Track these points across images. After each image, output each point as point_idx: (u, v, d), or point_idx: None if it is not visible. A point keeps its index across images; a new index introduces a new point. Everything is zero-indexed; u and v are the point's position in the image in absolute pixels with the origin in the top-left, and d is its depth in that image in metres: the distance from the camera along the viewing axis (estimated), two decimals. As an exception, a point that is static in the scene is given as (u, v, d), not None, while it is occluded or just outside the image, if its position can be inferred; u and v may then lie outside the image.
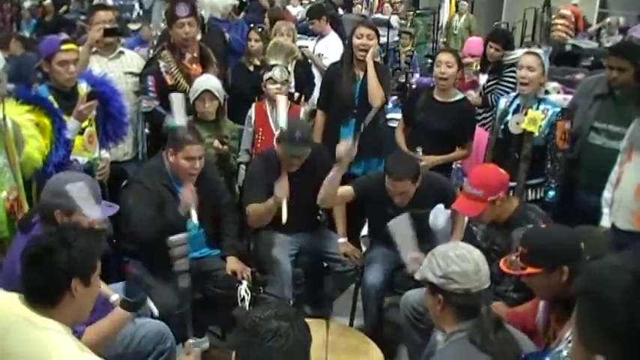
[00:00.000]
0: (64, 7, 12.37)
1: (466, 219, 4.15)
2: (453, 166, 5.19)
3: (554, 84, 6.79)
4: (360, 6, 14.19)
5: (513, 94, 4.65)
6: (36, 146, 3.49)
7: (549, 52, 7.99)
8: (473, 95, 5.62)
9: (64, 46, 3.89)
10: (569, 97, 5.55)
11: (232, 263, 4.11)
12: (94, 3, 9.61)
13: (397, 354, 4.23)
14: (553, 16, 11.16)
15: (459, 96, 4.92)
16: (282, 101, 4.27)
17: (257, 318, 1.96)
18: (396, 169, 3.97)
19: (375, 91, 4.85)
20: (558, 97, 5.91)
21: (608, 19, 10.01)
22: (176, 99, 4.21)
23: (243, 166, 4.90)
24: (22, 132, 3.40)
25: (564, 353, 2.29)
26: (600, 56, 7.60)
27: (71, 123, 3.77)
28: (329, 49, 6.97)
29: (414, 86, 7.54)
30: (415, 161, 4.19)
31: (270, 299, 4.06)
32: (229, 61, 6.09)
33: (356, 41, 4.90)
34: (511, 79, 5.40)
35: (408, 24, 12.35)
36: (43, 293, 2.29)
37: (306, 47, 6.98)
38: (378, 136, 5.00)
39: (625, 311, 1.17)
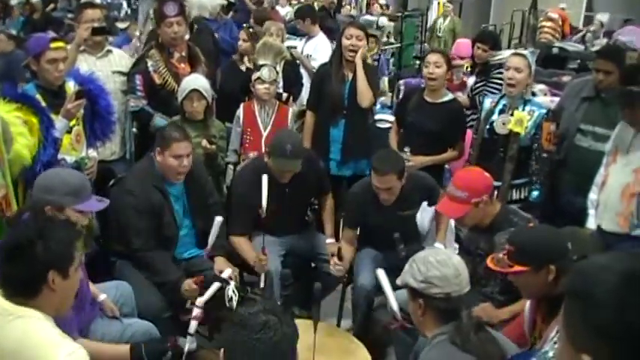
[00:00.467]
0: (52, 5, 12.33)
1: (452, 221, 4.17)
2: (446, 166, 5.20)
3: (541, 86, 6.83)
4: (349, 7, 14.21)
5: (499, 94, 4.67)
6: (25, 144, 3.47)
7: (536, 54, 8.02)
8: (461, 97, 5.64)
9: (53, 45, 3.87)
10: (556, 99, 5.59)
11: (220, 264, 4.10)
12: (82, 1, 9.58)
13: (385, 355, 4.24)
14: (540, 19, 11.20)
15: (449, 97, 4.95)
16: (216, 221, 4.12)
17: (245, 312, 1.98)
18: (381, 164, 3.99)
19: (364, 92, 4.86)
20: (545, 99, 5.94)
21: (592, 27, 10.05)
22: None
23: (231, 166, 4.90)
24: (11, 130, 3.38)
25: (550, 354, 2.31)
26: (587, 59, 7.64)
27: (59, 122, 3.76)
28: (317, 50, 6.98)
29: (402, 87, 7.56)
30: (400, 157, 4.21)
31: (258, 298, 4.06)
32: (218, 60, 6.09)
33: (345, 42, 4.90)
34: (499, 81, 5.43)
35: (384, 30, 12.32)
36: (21, 286, 2.28)
37: (295, 47, 7.00)
38: (367, 138, 5.01)
39: (612, 310, 1.18)
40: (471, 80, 5.99)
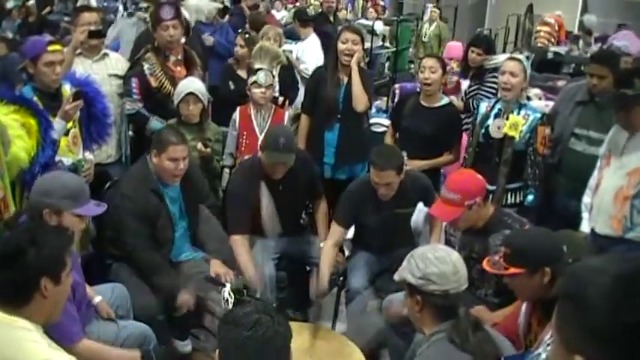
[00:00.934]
0: (48, 8, 12.31)
1: (444, 223, 4.18)
2: (442, 170, 5.21)
3: (536, 90, 6.84)
4: (345, 11, 14.22)
5: (494, 98, 4.68)
6: (22, 146, 3.48)
7: (532, 58, 8.05)
8: (455, 100, 5.65)
9: (50, 47, 3.87)
10: (551, 103, 5.60)
11: (216, 266, 4.10)
12: (79, 4, 9.57)
13: (379, 357, 4.24)
14: (536, 24, 11.23)
15: (445, 101, 4.96)
16: None
17: (239, 312, 2.00)
18: (380, 159, 4.01)
19: (359, 96, 4.86)
20: (540, 104, 5.95)
21: (580, 41, 10.09)
22: None
23: (226, 170, 4.90)
24: (8, 132, 3.39)
25: (543, 356, 2.32)
26: (582, 64, 7.68)
27: (57, 123, 3.76)
28: (304, 52, 7.01)
29: (397, 91, 7.57)
30: (399, 152, 4.22)
31: (252, 300, 4.07)
32: (214, 64, 6.09)
33: (341, 46, 4.91)
34: (493, 85, 5.44)
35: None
36: (13, 293, 2.28)
37: (290, 51, 7.02)
38: (362, 142, 5.02)
39: (606, 312, 1.19)
40: (465, 84, 6.00)
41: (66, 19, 10.13)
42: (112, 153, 4.85)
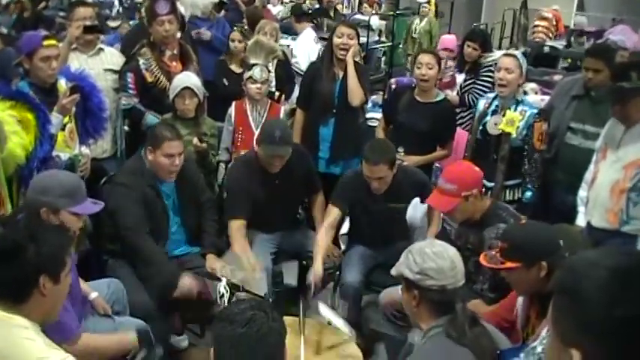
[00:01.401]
0: (43, 4, 12.25)
1: (441, 215, 4.18)
2: (434, 165, 5.22)
3: (533, 85, 6.85)
4: (340, 5, 14.19)
5: (492, 94, 4.68)
6: (18, 142, 3.47)
7: (528, 54, 8.06)
8: (450, 95, 5.65)
9: (45, 42, 3.86)
10: (547, 97, 5.60)
11: (212, 261, 4.10)
12: (74, -1, 9.54)
13: (376, 351, 4.25)
14: (534, 18, 11.23)
15: (440, 96, 4.96)
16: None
17: (233, 309, 2.01)
18: (372, 154, 4.01)
19: (355, 91, 4.87)
20: (536, 98, 5.95)
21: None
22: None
23: (222, 165, 4.90)
24: (5, 128, 3.38)
25: (539, 349, 2.33)
26: (578, 58, 7.68)
27: (54, 118, 3.76)
28: (297, 47, 7.02)
29: (393, 86, 7.57)
30: (391, 147, 4.22)
31: (248, 297, 4.07)
32: (211, 58, 6.08)
33: (336, 40, 4.91)
34: (488, 79, 5.44)
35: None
36: (11, 290, 2.26)
37: (287, 46, 7.02)
38: (357, 137, 5.01)
39: (601, 306, 1.19)
40: (460, 78, 6.00)
41: (61, 14, 10.08)
42: (108, 148, 4.85)
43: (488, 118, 4.51)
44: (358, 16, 12.26)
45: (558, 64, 9.19)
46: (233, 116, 4.87)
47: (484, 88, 5.51)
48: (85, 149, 4.22)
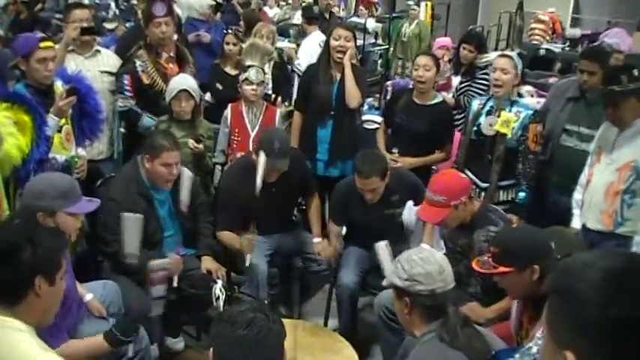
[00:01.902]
0: (39, 5, 12.24)
1: None
2: (433, 168, 5.22)
3: (528, 87, 6.86)
4: (337, 8, 14.19)
5: (486, 96, 4.69)
6: (14, 144, 3.47)
7: (523, 55, 8.07)
8: (446, 97, 5.66)
9: (42, 44, 3.86)
10: (543, 100, 5.62)
11: (207, 263, 4.11)
12: (70, 1, 9.53)
13: (371, 354, 4.25)
14: (530, 21, 11.25)
15: (438, 99, 4.96)
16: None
17: (234, 310, 2.02)
18: (363, 167, 4.03)
19: (352, 92, 4.87)
20: (532, 101, 5.96)
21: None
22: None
23: (218, 167, 4.90)
24: (1, 130, 3.38)
25: (534, 350, 2.33)
26: (573, 61, 7.70)
27: (51, 120, 3.76)
28: (301, 49, 7.03)
29: (389, 88, 7.58)
30: (382, 158, 4.24)
31: (246, 298, 4.07)
32: (210, 61, 6.08)
33: (333, 43, 4.92)
34: (484, 82, 5.44)
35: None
36: (6, 290, 2.26)
37: (282, 49, 7.03)
38: (354, 138, 5.02)
39: (596, 307, 1.19)
40: (456, 81, 6.01)
41: (57, 16, 10.07)
42: (104, 149, 4.85)
43: (482, 118, 4.51)
44: (354, 19, 12.24)
45: (554, 67, 9.21)
46: (229, 118, 4.87)
47: (480, 91, 5.51)
48: (81, 151, 4.22)
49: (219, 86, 5.69)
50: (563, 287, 1.28)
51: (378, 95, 8.88)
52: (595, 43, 7.41)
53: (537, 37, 10.17)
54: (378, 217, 4.15)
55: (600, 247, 3.68)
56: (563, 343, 1.24)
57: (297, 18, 9.96)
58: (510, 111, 4.40)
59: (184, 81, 4.59)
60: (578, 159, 4.22)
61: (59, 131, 3.90)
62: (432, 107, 4.89)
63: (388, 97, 6.86)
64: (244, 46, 5.31)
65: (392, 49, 11.83)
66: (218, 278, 3.95)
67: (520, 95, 5.32)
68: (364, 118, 6.02)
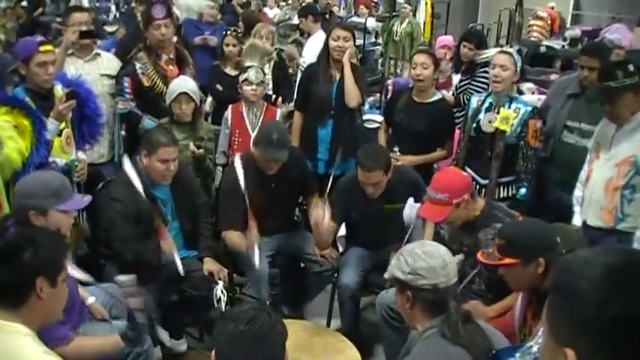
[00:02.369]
0: (40, 10, 12.27)
1: None
2: (435, 166, 5.21)
3: (529, 84, 6.86)
4: (337, 7, 14.18)
5: (485, 93, 4.69)
6: (14, 147, 3.48)
7: (523, 52, 8.06)
8: (446, 95, 5.66)
9: (42, 48, 3.86)
10: (544, 97, 5.61)
11: (209, 264, 4.11)
12: (70, 5, 9.54)
13: (374, 353, 4.25)
14: (529, 18, 11.23)
15: (437, 96, 4.96)
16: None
17: (237, 309, 2.05)
18: (366, 160, 4.02)
19: (352, 92, 4.87)
20: (532, 98, 5.96)
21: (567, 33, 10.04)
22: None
23: (220, 168, 4.90)
24: (1, 134, 3.38)
25: (534, 349, 2.32)
26: (574, 58, 7.69)
27: (50, 124, 3.76)
28: (307, 49, 7.02)
29: (389, 87, 7.57)
30: (385, 152, 4.23)
31: (247, 299, 4.07)
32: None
33: (332, 43, 4.92)
34: (483, 79, 5.44)
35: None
36: (8, 292, 2.26)
37: (282, 50, 7.03)
38: (355, 137, 5.02)
39: (595, 305, 1.18)
40: (456, 78, 6.01)
41: (58, 20, 10.10)
42: (105, 153, 4.85)
43: (481, 115, 4.50)
44: (355, 19, 12.24)
45: (555, 64, 9.20)
46: (230, 119, 4.88)
47: (479, 89, 5.50)
48: (81, 154, 4.23)
49: (219, 87, 5.69)
50: (563, 285, 1.27)
51: (378, 94, 8.87)
52: (596, 39, 7.40)
53: (535, 34, 10.14)
54: (378, 213, 4.14)
55: (601, 244, 3.67)
56: (563, 341, 1.24)
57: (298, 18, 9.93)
58: (509, 108, 4.40)
59: (184, 83, 4.60)
60: (579, 155, 4.21)
61: (59, 135, 3.91)
62: (432, 105, 4.88)
63: (389, 96, 6.86)
64: (244, 47, 5.31)
65: (383, 49, 11.66)
66: (220, 279, 3.95)
67: (521, 92, 5.33)
68: (365, 117, 6.02)
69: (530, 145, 4.35)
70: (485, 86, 5.29)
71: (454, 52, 6.30)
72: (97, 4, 13.01)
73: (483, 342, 2.56)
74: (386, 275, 2.71)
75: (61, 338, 2.89)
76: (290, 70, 7.07)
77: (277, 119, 4.94)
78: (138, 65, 4.79)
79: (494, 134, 4.41)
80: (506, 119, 4.35)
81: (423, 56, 4.86)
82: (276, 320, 2.02)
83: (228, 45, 5.82)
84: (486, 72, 5.06)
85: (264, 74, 4.96)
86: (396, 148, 4.72)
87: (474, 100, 4.63)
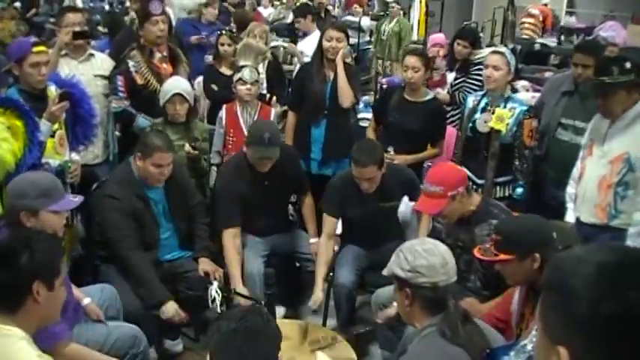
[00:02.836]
0: (33, 10, 12.24)
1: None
2: (424, 164, 5.21)
3: (524, 82, 6.85)
4: (331, 7, 14.15)
5: (481, 92, 4.68)
6: (8, 149, 3.47)
7: (517, 50, 8.05)
8: (441, 93, 5.65)
9: (35, 49, 3.86)
10: (538, 94, 5.61)
11: (204, 264, 4.11)
12: (64, 5, 9.51)
13: (370, 352, 4.25)
14: (521, 15, 11.21)
15: (430, 96, 4.96)
16: None
17: (231, 309, 2.05)
18: (360, 156, 4.02)
19: (345, 92, 4.87)
20: (527, 96, 5.95)
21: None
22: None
23: (214, 168, 4.89)
24: (-6, 135, 3.38)
25: (529, 347, 2.33)
26: (569, 55, 7.70)
27: (43, 125, 3.75)
28: (306, 47, 7.02)
29: (384, 86, 7.57)
30: (379, 147, 4.23)
31: (242, 299, 4.06)
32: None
33: (325, 44, 4.92)
34: (478, 77, 5.44)
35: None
36: (5, 296, 2.26)
37: (277, 47, 7.01)
38: (348, 137, 5.00)
39: (588, 302, 1.18)
40: (450, 77, 6.01)
41: (51, 20, 10.07)
42: (99, 153, 4.84)
43: (477, 115, 4.51)
44: (349, 18, 12.21)
45: (549, 61, 9.19)
46: (224, 119, 4.88)
47: (474, 87, 5.51)
48: (75, 155, 4.22)
49: (214, 87, 5.68)
50: (556, 283, 1.27)
51: (373, 93, 8.86)
52: (590, 37, 7.40)
53: (527, 32, 10.13)
54: (374, 210, 4.14)
55: (595, 241, 3.68)
56: (557, 339, 1.23)
57: (292, 17, 9.90)
58: (505, 107, 4.40)
59: (178, 84, 4.59)
60: (573, 153, 4.20)
61: (52, 136, 3.90)
62: (425, 104, 4.88)
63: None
64: (238, 46, 5.31)
65: (372, 49, 11.41)
66: (215, 280, 3.95)
67: (515, 90, 5.32)
68: (360, 116, 6.02)
69: (526, 145, 4.35)
70: (480, 84, 5.28)
71: (448, 50, 6.30)
72: (91, 4, 12.98)
73: (481, 342, 2.56)
74: (385, 272, 2.69)
75: (59, 334, 2.88)
76: (291, 67, 7.07)
77: (272, 119, 4.93)
78: (131, 64, 4.78)
79: (490, 134, 4.41)
80: (501, 119, 4.35)
81: (414, 58, 4.82)
82: (268, 319, 2.03)
83: (223, 44, 5.82)
84: (481, 69, 5.06)
85: (259, 73, 4.96)
86: (390, 148, 4.71)
87: (470, 100, 4.64)
